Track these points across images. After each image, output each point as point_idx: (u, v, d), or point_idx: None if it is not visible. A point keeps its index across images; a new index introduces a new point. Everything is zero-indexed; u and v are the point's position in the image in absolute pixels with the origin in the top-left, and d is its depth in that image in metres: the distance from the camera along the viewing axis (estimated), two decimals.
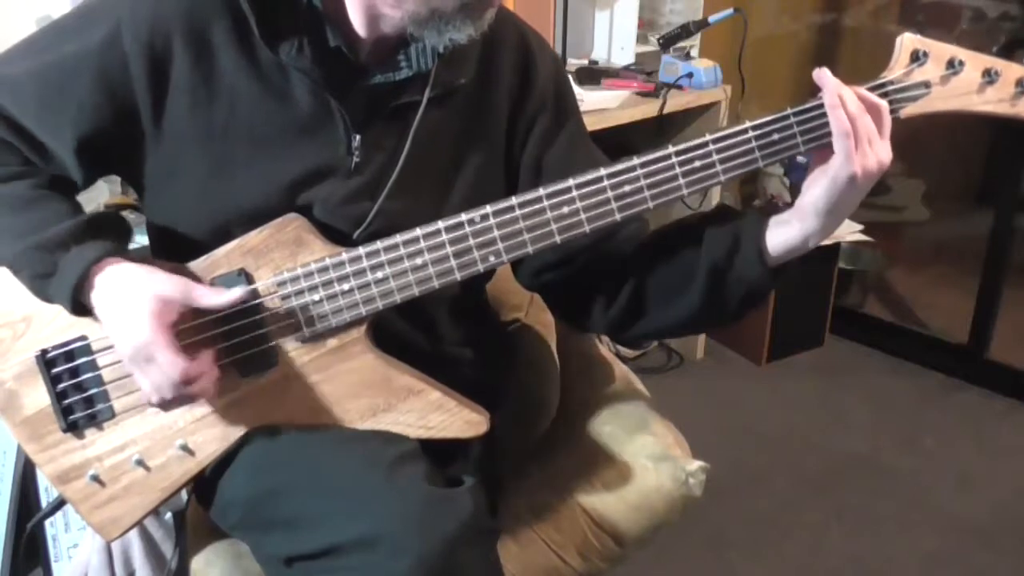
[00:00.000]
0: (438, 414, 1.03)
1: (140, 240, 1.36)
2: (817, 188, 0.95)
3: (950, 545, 2.02)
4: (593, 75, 2.30)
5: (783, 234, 0.99)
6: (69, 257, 0.95)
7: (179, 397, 0.97)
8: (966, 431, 2.44)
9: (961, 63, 0.93)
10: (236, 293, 0.97)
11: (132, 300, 0.94)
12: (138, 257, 1.00)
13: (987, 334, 2.64)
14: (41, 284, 0.98)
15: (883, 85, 0.94)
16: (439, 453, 1.06)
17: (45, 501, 1.60)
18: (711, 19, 2.35)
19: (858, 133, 0.91)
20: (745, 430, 2.43)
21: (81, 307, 0.97)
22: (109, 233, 1.00)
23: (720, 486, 1.40)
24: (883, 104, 0.93)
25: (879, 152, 0.93)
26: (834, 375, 2.71)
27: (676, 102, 2.33)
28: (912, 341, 2.82)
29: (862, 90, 0.94)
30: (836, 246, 2.71)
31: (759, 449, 2.35)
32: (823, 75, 0.92)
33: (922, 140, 3.01)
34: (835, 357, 2.81)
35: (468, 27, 0.96)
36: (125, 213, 1.70)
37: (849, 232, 2.68)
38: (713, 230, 1.03)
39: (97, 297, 0.96)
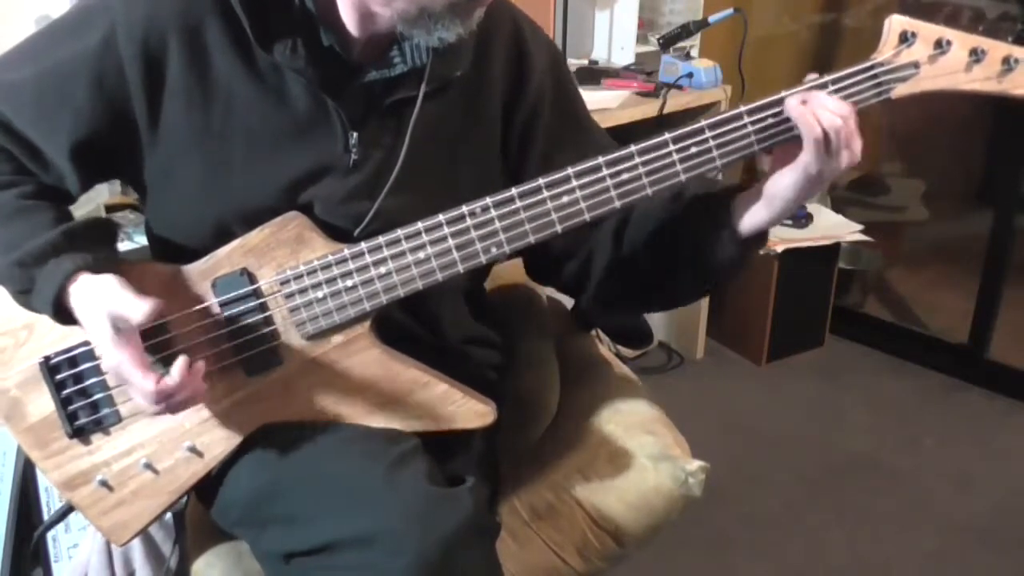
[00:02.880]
0: (445, 406, 1.03)
1: (139, 240, 1.36)
2: (786, 179, 0.97)
3: (950, 545, 2.02)
4: (593, 75, 2.30)
5: (751, 218, 1.02)
6: (45, 272, 0.95)
7: (168, 408, 0.95)
8: (966, 431, 2.44)
9: (948, 43, 0.93)
10: (149, 303, 0.92)
11: (94, 321, 0.93)
12: (120, 264, 0.98)
13: (987, 334, 2.64)
14: (24, 299, 0.98)
15: (872, 67, 0.95)
16: (440, 451, 1.06)
17: (45, 501, 1.60)
18: (711, 19, 2.35)
19: (828, 136, 0.92)
20: (745, 430, 2.43)
21: (69, 319, 0.97)
22: (92, 241, 0.98)
23: (720, 486, 1.40)
24: (848, 110, 0.93)
25: (854, 149, 0.94)
26: (834, 375, 2.71)
27: (676, 102, 2.33)
28: (912, 341, 2.82)
29: (824, 95, 0.94)
30: (836, 246, 2.71)
31: (759, 449, 2.35)
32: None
33: (922, 140, 3.01)
34: (835, 357, 2.81)
35: (457, 26, 0.96)
36: (125, 213, 1.70)
37: (849, 232, 2.68)
38: (688, 219, 1.06)
39: (76, 313, 0.96)
